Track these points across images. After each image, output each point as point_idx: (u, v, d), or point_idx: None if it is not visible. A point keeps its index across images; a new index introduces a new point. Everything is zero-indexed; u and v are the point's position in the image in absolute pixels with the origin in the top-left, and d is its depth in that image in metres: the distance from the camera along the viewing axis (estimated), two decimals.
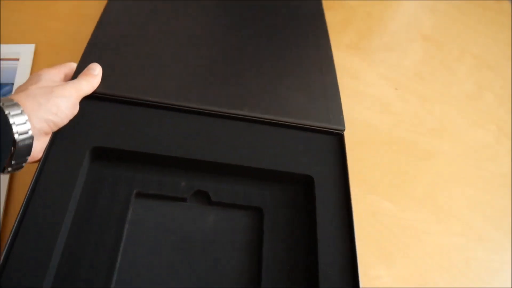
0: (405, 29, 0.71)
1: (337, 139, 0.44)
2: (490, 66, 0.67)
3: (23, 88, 0.35)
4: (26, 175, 0.43)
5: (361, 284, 0.34)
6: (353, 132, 0.52)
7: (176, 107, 0.42)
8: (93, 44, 0.46)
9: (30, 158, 0.34)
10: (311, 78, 0.49)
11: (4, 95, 0.49)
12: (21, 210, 0.33)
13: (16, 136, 0.31)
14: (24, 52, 0.54)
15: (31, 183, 0.35)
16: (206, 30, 0.53)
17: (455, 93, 0.62)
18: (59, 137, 0.38)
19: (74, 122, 0.39)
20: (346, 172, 0.41)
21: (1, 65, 0.52)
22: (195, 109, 0.42)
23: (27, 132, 0.32)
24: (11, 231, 0.32)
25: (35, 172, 0.35)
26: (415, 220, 0.46)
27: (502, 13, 0.79)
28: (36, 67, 0.53)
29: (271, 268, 0.37)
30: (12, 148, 0.31)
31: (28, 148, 0.33)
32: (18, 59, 0.53)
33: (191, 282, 0.36)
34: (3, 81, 0.51)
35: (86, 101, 0.41)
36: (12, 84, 0.51)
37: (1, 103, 0.31)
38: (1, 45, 0.54)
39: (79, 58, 0.55)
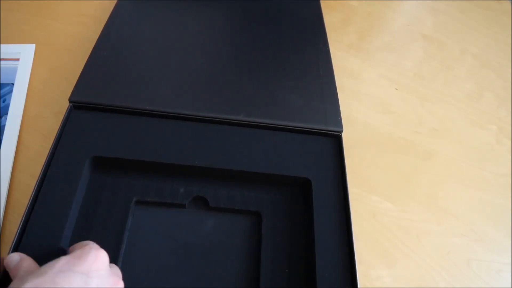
0: (405, 29, 0.71)
1: (335, 141, 0.44)
2: (491, 66, 0.67)
3: None
4: (27, 177, 0.43)
5: (359, 286, 0.34)
6: (353, 132, 0.52)
7: (173, 114, 0.43)
8: (94, 57, 0.47)
9: None
10: (309, 80, 0.49)
11: (4, 95, 0.49)
12: (22, 219, 0.34)
13: None
14: (24, 52, 0.54)
15: (32, 193, 0.35)
16: (201, 36, 0.53)
17: (455, 93, 0.61)
18: (59, 147, 0.39)
19: (74, 133, 0.40)
20: (344, 174, 0.41)
21: (1, 65, 0.52)
22: (192, 116, 0.43)
23: None
24: (13, 239, 0.33)
25: (36, 183, 0.36)
26: (415, 220, 0.46)
27: (503, 13, 0.79)
28: (36, 67, 0.53)
29: (269, 271, 0.37)
30: None
31: None
32: (18, 59, 0.53)
33: (191, 287, 0.36)
34: (3, 81, 0.51)
35: (85, 112, 0.42)
36: (12, 84, 0.51)
37: None
38: (1, 45, 0.54)
39: (79, 58, 0.55)
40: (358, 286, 0.34)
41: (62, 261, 0.28)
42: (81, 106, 0.42)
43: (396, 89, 0.60)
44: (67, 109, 0.41)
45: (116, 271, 0.33)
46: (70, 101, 0.42)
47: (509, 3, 0.81)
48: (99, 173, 0.40)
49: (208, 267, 0.37)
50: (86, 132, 0.40)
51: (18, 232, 0.33)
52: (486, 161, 0.54)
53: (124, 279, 0.34)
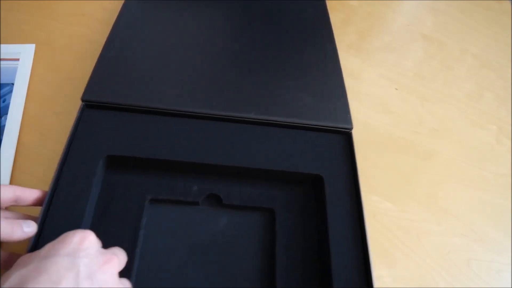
0: (405, 29, 0.71)
1: (345, 138, 0.44)
2: (491, 66, 0.67)
3: None
4: (27, 177, 0.43)
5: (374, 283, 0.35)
6: (353, 132, 0.52)
7: (186, 113, 0.43)
8: (105, 56, 0.47)
9: None
10: (317, 78, 0.49)
11: (4, 95, 0.49)
12: (39, 221, 0.34)
13: None
14: (24, 52, 0.54)
15: (47, 194, 0.35)
16: (211, 35, 0.54)
17: (455, 93, 0.61)
18: (73, 147, 0.39)
19: (87, 132, 0.40)
20: (355, 170, 0.41)
21: (1, 65, 0.52)
22: (204, 114, 0.43)
23: None
24: (31, 240, 0.33)
25: (51, 183, 0.36)
26: (415, 220, 0.46)
27: (503, 13, 0.79)
28: (36, 67, 0.53)
29: (284, 267, 0.37)
30: None
31: None
32: (18, 59, 0.53)
33: (207, 284, 0.36)
34: (3, 81, 0.51)
35: (97, 111, 0.42)
36: (12, 84, 0.51)
37: None
38: (1, 45, 0.54)
39: (79, 58, 0.55)
40: (373, 281, 0.35)
41: (46, 247, 0.28)
42: (93, 105, 0.42)
43: (396, 89, 0.60)
44: (80, 108, 0.41)
45: (115, 251, 0.31)
46: (82, 100, 0.42)
47: (509, 3, 0.81)
48: (113, 172, 0.40)
49: (223, 264, 0.37)
50: (99, 131, 0.40)
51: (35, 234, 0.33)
52: (486, 161, 0.54)
53: (140, 277, 0.35)
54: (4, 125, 0.47)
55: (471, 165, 0.53)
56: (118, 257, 0.30)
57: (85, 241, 0.28)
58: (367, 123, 0.55)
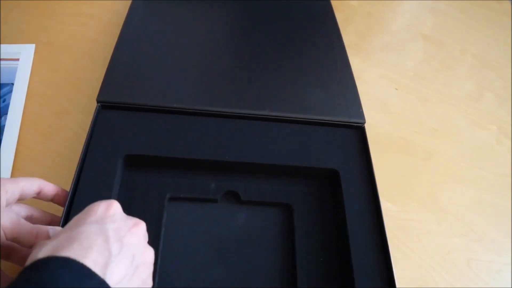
0: (405, 29, 0.71)
1: (359, 132, 0.45)
2: (491, 66, 0.67)
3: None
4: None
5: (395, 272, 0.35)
6: None
7: (201, 111, 0.43)
8: (117, 57, 0.47)
9: None
10: (328, 74, 0.50)
11: (4, 95, 0.49)
12: (61, 222, 0.34)
13: None
14: (24, 52, 0.54)
15: (68, 195, 0.35)
16: (221, 34, 0.54)
17: (455, 93, 0.61)
18: (91, 148, 0.39)
19: (104, 133, 0.40)
20: (370, 163, 0.42)
21: (1, 65, 0.52)
22: (219, 112, 0.44)
23: None
24: None
25: (71, 184, 0.36)
26: (415, 220, 0.46)
27: (503, 13, 0.79)
28: (36, 67, 0.53)
29: (305, 262, 0.37)
30: None
31: None
32: (18, 59, 0.53)
33: (228, 280, 0.37)
34: (3, 81, 0.51)
35: (113, 111, 0.42)
36: (12, 84, 0.51)
37: None
38: (1, 45, 0.54)
39: (79, 58, 0.55)
40: (394, 272, 0.35)
41: (73, 220, 0.28)
42: (108, 106, 0.42)
43: (396, 89, 0.60)
44: (96, 109, 0.42)
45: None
46: (97, 101, 0.42)
47: (509, 3, 0.81)
48: (132, 171, 0.41)
49: (243, 259, 0.38)
50: (115, 131, 0.41)
51: None
52: (486, 161, 0.54)
53: (164, 273, 0.35)
54: (4, 125, 0.47)
55: (471, 165, 0.53)
56: (143, 221, 0.31)
57: (110, 208, 0.29)
58: (367, 123, 0.55)
